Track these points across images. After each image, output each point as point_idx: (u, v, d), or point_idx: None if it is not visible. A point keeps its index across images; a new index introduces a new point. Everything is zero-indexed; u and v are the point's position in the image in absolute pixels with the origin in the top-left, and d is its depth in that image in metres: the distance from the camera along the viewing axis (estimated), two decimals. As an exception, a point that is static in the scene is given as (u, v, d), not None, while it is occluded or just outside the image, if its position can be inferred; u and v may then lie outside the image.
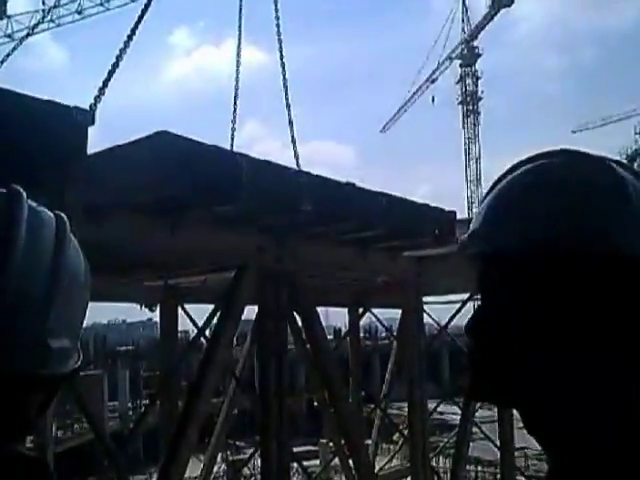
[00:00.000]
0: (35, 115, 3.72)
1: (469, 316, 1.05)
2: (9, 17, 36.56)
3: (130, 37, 12.25)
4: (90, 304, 1.13)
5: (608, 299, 0.88)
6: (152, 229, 5.27)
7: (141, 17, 12.72)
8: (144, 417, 9.45)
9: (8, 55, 30.43)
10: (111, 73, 11.38)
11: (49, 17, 35.81)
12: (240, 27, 23.84)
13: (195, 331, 7.86)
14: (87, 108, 4.05)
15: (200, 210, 5.39)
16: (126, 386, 28.83)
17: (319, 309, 7.47)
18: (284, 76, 24.14)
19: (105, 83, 11.46)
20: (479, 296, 1.04)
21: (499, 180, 1.06)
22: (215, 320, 6.36)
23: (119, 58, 11.83)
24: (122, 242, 5.15)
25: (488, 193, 1.06)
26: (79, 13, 35.79)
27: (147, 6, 12.90)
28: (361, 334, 27.59)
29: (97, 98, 10.64)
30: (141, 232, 5.18)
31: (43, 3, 36.32)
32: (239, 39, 24.13)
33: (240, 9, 23.73)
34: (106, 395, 28.22)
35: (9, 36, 36.68)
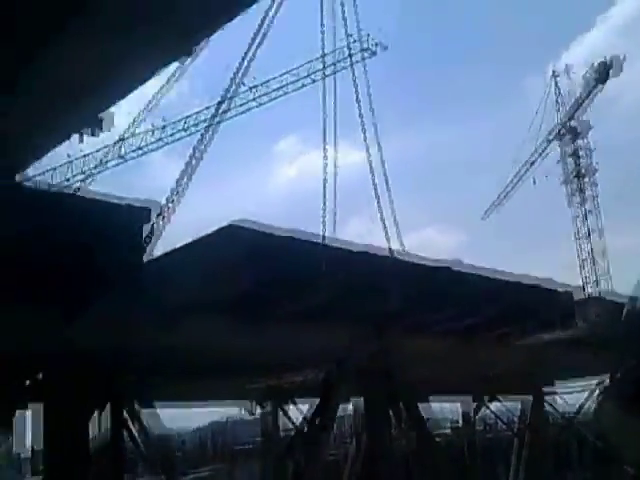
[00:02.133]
0: (87, 216, 3.54)
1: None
2: (123, 140, 39.19)
3: (191, 160, 12.56)
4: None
5: None
6: (230, 329, 4.93)
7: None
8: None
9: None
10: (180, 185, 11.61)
11: (158, 136, 38.18)
12: (325, 131, 24.38)
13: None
14: (145, 206, 3.84)
15: (284, 305, 5.02)
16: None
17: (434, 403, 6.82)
18: (373, 181, 24.31)
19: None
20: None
21: None
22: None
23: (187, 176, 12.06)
24: (198, 345, 4.84)
25: None
26: (185, 130, 37.79)
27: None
28: (480, 427, 26.00)
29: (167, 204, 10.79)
30: (218, 333, 4.85)
31: (152, 125, 38.84)
32: (324, 142, 24.63)
33: (324, 120, 24.34)
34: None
35: (122, 157, 39.17)
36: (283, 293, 4.70)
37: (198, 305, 4.62)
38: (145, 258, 4.54)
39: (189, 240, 4.56)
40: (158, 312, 4.62)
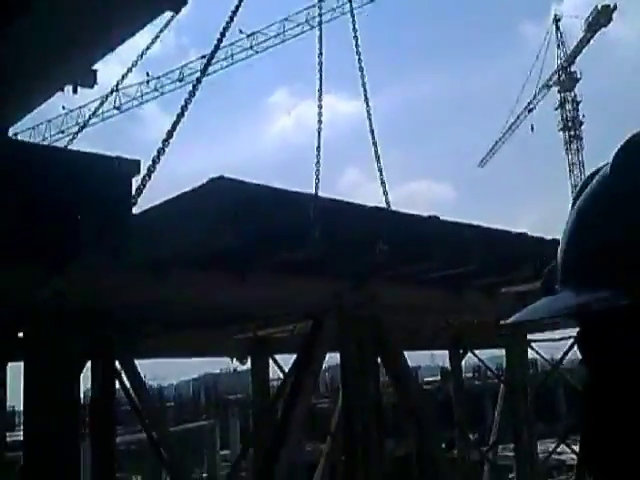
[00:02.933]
0: (75, 168, 3.54)
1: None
2: (117, 90, 38.58)
3: (183, 110, 12.24)
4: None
5: None
6: (219, 282, 4.98)
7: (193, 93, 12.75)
8: (237, 467, 9.31)
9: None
10: (169, 135, 11.40)
11: (153, 87, 37.65)
12: (321, 78, 23.83)
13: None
14: (135, 158, 3.83)
15: (268, 258, 5.06)
16: (237, 434, 28.79)
17: (424, 352, 6.94)
18: (372, 130, 23.82)
19: (164, 143, 11.49)
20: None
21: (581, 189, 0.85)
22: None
23: (174, 127, 11.84)
24: (188, 297, 4.89)
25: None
26: (180, 81, 37.18)
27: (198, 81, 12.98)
28: (470, 374, 26.48)
29: (160, 152, 10.64)
30: (207, 286, 4.90)
31: (148, 74, 38.19)
32: (319, 91, 24.10)
33: (320, 65, 23.74)
34: (218, 444, 28.26)
35: (117, 108, 38.66)
36: (268, 245, 4.73)
37: (184, 258, 4.67)
38: (134, 211, 4.55)
39: (175, 194, 4.58)
40: (145, 265, 4.66)
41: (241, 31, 34.06)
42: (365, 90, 23.42)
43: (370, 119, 23.29)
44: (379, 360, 6.36)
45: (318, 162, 22.25)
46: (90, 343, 6.25)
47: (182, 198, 4.45)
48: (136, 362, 7.35)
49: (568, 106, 60.51)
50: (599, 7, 57.01)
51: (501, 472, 13.15)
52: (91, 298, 4.47)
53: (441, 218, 5.93)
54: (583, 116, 60.44)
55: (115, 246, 4.11)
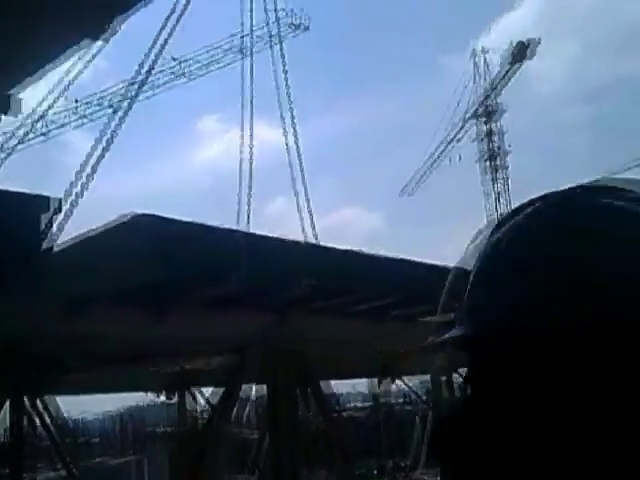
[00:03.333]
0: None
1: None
2: (43, 117, 37.36)
3: (108, 144, 12.05)
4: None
5: None
6: (139, 318, 4.94)
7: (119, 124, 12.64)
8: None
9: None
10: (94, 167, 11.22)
11: (81, 113, 36.94)
12: (251, 106, 23.95)
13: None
14: (45, 195, 3.79)
15: (190, 294, 5.06)
16: (165, 468, 28.12)
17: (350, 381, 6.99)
18: (300, 162, 24.00)
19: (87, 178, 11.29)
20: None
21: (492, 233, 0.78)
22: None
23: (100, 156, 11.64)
24: (104, 334, 4.83)
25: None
26: (110, 107, 36.54)
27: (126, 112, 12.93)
28: (400, 400, 26.71)
29: (83, 186, 10.42)
30: (127, 322, 4.85)
31: (76, 101, 37.50)
32: (250, 121, 24.21)
33: (251, 94, 23.90)
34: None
35: (44, 134, 37.70)
36: (189, 282, 4.74)
37: (104, 295, 4.62)
38: (46, 246, 4.49)
39: (94, 227, 4.55)
40: (61, 302, 4.59)
41: (174, 58, 33.95)
42: (293, 120, 23.61)
43: (299, 152, 23.46)
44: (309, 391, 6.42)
45: (250, 189, 22.23)
46: (10, 381, 6.09)
47: (104, 234, 4.43)
48: (60, 398, 7.19)
49: (494, 137, 62.47)
50: (525, 41, 59.23)
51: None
52: (9, 335, 4.38)
53: (363, 251, 6.08)
54: (509, 146, 62.47)
55: (28, 285, 4.04)
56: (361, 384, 13.28)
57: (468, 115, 63.35)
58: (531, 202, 0.83)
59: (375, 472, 18.23)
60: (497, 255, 0.79)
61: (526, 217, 0.81)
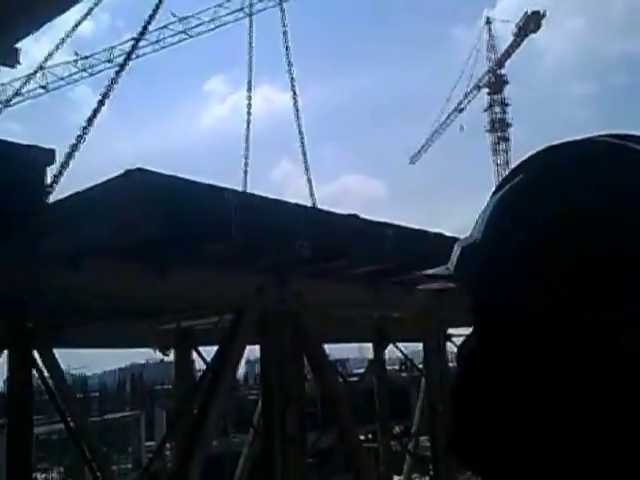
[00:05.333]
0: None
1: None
2: (42, 69, 37.10)
3: (104, 97, 11.96)
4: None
5: None
6: (137, 274, 4.98)
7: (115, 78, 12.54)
8: (155, 459, 9.31)
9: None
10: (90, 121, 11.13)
11: (82, 67, 36.58)
12: (250, 71, 23.80)
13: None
14: (51, 147, 3.80)
15: (190, 251, 5.09)
16: (163, 425, 28.52)
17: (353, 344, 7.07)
18: (299, 127, 23.89)
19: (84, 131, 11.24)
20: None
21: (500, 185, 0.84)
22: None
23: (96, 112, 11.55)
24: (106, 288, 4.87)
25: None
26: (109, 62, 36.26)
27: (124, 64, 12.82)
28: (396, 367, 26.92)
29: (79, 139, 10.35)
30: (124, 277, 4.89)
31: (76, 54, 37.09)
32: (249, 84, 24.07)
33: (250, 55, 23.69)
34: (143, 436, 27.90)
35: (44, 87, 37.44)
36: (189, 239, 4.77)
37: (101, 249, 4.65)
38: (50, 200, 4.51)
39: (96, 182, 4.55)
40: (62, 255, 4.62)
41: (174, 14, 33.46)
42: (293, 85, 23.40)
43: (298, 116, 23.32)
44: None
45: (247, 150, 22.19)
46: (6, 332, 6.15)
47: (99, 188, 4.43)
48: (59, 351, 7.28)
49: (497, 108, 62.16)
50: (529, 12, 58.77)
51: (423, 462, 13.53)
52: (6, 287, 4.42)
53: (361, 217, 6.08)
54: (512, 118, 62.26)
55: (30, 236, 4.07)
56: (366, 348, 13.33)
57: (475, 85, 62.61)
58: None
59: (370, 436, 18.48)
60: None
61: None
